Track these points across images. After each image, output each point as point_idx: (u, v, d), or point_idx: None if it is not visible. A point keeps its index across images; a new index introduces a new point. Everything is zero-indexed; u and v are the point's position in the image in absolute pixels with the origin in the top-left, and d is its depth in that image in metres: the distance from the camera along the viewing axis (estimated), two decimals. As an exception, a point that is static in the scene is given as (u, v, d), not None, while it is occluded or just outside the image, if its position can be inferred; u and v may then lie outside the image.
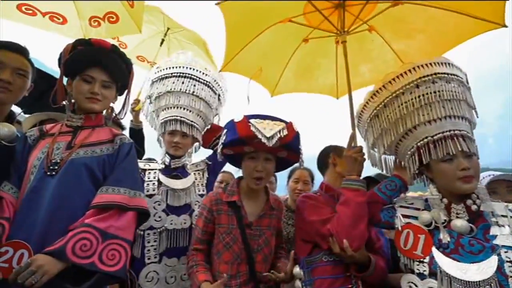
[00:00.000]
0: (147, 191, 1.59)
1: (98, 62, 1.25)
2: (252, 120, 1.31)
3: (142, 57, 3.00)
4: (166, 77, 1.74)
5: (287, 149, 1.40)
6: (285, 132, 1.33)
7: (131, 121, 2.04)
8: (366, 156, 1.45)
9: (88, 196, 1.13)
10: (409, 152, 1.24)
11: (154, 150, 1.94)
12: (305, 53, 2.26)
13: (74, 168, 1.14)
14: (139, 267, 1.49)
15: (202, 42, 2.96)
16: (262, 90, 2.47)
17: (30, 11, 2.02)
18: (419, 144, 1.19)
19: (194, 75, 1.75)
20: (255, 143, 1.33)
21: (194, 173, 1.78)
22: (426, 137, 1.18)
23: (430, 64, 1.22)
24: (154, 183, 1.62)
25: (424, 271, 1.10)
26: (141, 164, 1.67)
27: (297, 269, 1.37)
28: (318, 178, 1.69)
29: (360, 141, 1.56)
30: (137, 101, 1.74)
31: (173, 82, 1.71)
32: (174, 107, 1.69)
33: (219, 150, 1.42)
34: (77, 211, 1.09)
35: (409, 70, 1.25)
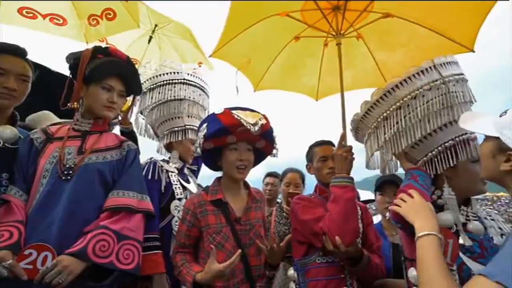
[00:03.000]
0: (177, 194, 1.61)
1: (119, 73, 1.32)
2: (234, 111, 1.37)
3: (135, 59, 2.78)
4: (184, 83, 1.75)
5: (265, 138, 1.46)
6: (264, 121, 1.40)
7: (121, 123, 1.89)
8: (366, 156, 1.48)
9: (99, 200, 1.18)
10: (440, 148, 1.15)
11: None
12: (293, 51, 2.27)
13: (88, 174, 1.18)
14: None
15: (189, 33, 2.89)
16: (245, 85, 2.43)
17: (31, 14, 2.04)
18: (458, 139, 1.12)
19: (198, 84, 1.80)
20: (238, 132, 1.35)
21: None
22: (466, 133, 1.13)
23: (454, 63, 1.22)
24: (179, 187, 1.64)
25: (456, 280, 0.98)
26: (162, 163, 1.66)
27: (291, 271, 1.37)
28: (312, 180, 1.78)
29: (350, 141, 1.62)
30: (125, 103, 1.67)
31: (194, 91, 1.76)
32: (194, 117, 1.75)
33: (200, 143, 1.40)
34: (90, 214, 1.15)
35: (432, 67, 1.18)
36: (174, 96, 1.71)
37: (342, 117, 1.69)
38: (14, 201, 1.11)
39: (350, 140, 1.59)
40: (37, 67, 1.47)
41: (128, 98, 1.48)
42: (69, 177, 1.15)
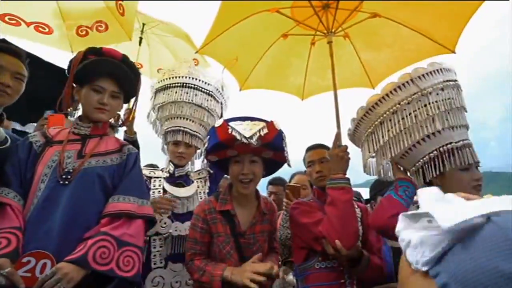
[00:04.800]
0: (153, 198, 1.58)
1: (109, 73, 1.25)
2: (231, 123, 1.29)
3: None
4: (170, 87, 1.75)
5: (271, 148, 1.35)
6: (265, 130, 1.29)
7: (125, 132, 1.83)
8: (362, 163, 1.47)
9: (99, 205, 1.14)
10: (425, 158, 1.18)
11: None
12: (280, 50, 2.23)
13: (87, 178, 1.15)
14: (144, 272, 1.47)
15: (185, 35, 2.82)
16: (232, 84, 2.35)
17: (14, 21, 2.00)
18: (442, 149, 1.15)
19: (197, 85, 1.76)
20: (237, 145, 1.30)
21: (197, 181, 1.79)
22: (450, 143, 1.14)
23: (447, 69, 1.22)
24: (159, 191, 1.65)
25: None
26: (146, 172, 1.67)
27: (290, 277, 1.32)
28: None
29: (345, 141, 1.60)
30: (129, 111, 1.58)
31: (176, 92, 1.73)
32: (177, 118, 1.73)
33: (204, 157, 1.41)
34: (90, 220, 1.11)
35: (421, 76, 1.18)
36: (156, 105, 1.73)
37: (336, 116, 1.67)
38: (13, 205, 1.06)
39: (346, 140, 1.58)
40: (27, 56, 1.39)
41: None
42: (67, 182, 1.11)
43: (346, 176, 1.42)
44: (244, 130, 1.26)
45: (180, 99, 1.72)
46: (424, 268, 0.42)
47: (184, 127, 1.71)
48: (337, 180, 1.38)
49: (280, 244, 1.94)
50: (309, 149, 1.67)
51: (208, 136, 1.37)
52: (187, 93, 1.73)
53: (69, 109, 1.31)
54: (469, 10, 1.68)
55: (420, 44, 1.97)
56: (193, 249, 1.34)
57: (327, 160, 1.57)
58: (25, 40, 2.07)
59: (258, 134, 1.26)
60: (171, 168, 1.74)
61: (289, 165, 1.48)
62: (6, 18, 1.98)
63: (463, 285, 0.36)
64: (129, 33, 2.13)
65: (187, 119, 1.73)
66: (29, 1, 1.99)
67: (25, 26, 2.04)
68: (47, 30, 2.10)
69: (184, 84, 1.74)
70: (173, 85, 1.74)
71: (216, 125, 1.32)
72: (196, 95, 1.74)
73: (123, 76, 1.29)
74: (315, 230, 1.33)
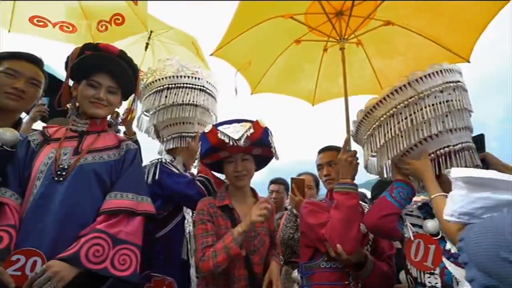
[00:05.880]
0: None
1: (105, 68, 1.25)
2: (220, 128, 1.37)
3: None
4: (201, 90, 1.69)
5: (259, 145, 1.43)
6: (252, 130, 1.37)
7: (124, 133, 1.82)
8: (363, 163, 1.48)
9: (97, 202, 1.12)
10: None
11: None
12: (293, 54, 2.26)
13: (83, 174, 1.13)
14: (187, 269, 1.50)
15: (190, 41, 2.84)
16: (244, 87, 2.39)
17: (42, 23, 2.12)
18: (438, 152, 1.17)
19: (212, 92, 1.75)
20: (228, 147, 1.37)
21: None
22: (448, 146, 1.16)
23: (448, 70, 1.22)
24: None
25: (436, 283, 1.06)
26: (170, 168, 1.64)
27: (295, 274, 1.33)
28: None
29: (354, 146, 1.61)
30: (128, 111, 1.54)
31: (207, 99, 1.71)
32: (203, 125, 1.68)
33: (199, 162, 1.46)
34: (86, 217, 1.09)
35: (422, 77, 1.20)
36: (189, 101, 1.64)
37: (346, 121, 1.68)
38: (10, 204, 1.05)
39: (355, 145, 1.59)
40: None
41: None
42: (61, 178, 1.09)
43: (354, 181, 1.44)
44: (232, 132, 1.34)
45: (200, 103, 1.66)
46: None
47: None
48: (344, 185, 1.40)
49: (283, 244, 1.95)
50: (319, 152, 1.71)
51: (200, 142, 1.44)
52: (208, 99, 1.71)
53: (67, 105, 1.31)
54: (483, 20, 1.68)
55: (434, 53, 1.96)
56: (204, 243, 1.28)
57: (335, 163, 1.59)
58: (53, 42, 2.20)
59: (245, 135, 1.34)
60: (183, 170, 1.69)
61: (276, 158, 1.55)
62: (35, 20, 2.10)
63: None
64: (144, 22, 2.21)
65: (202, 125, 1.68)
66: (53, 0, 2.10)
67: (51, 26, 2.16)
68: (71, 29, 2.21)
69: (202, 88, 1.68)
70: (191, 86, 1.66)
71: (206, 130, 1.40)
72: (211, 103, 1.74)
73: (120, 71, 1.27)
74: (319, 232, 1.36)
